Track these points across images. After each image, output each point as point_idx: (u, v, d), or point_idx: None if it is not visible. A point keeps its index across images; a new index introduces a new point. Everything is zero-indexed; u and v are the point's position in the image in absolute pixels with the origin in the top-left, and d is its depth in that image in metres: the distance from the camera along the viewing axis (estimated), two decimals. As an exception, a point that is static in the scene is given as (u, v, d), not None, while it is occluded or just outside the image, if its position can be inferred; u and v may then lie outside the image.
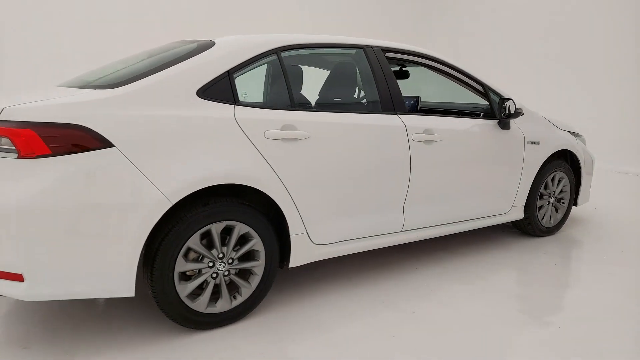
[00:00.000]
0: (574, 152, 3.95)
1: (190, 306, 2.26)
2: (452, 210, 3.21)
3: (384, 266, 3.21)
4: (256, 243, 2.40)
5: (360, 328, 2.41)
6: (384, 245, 2.93)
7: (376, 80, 2.85)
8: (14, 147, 1.86)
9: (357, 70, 2.94)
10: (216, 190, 2.33)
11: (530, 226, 3.83)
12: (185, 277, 2.29)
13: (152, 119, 2.10)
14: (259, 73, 2.56)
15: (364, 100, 2.96)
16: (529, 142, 3.56)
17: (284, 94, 2.53)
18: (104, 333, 2.30)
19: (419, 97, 3.85)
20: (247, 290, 2.42)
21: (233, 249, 2.36)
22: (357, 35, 3.01)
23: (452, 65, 3.30)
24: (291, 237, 2.50)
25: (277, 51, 2.54)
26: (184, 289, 2.22)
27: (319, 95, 2.81)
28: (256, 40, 2.50)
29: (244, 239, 2.40)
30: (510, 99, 3.31)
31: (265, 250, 2.43)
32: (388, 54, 3.04)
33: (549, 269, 3.26)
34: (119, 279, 2.04)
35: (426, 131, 2.94)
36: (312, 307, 2.61)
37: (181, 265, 2.20)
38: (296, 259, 2.56)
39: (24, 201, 1.86)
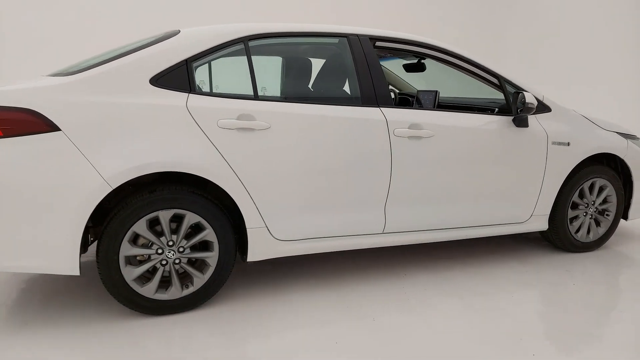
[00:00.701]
0: (622, 156, 3.38)
1: (138, 290, 2.29)
2: (449, 214, 2.90)
3: (368, 269, 3.01)
4: (208, 234, 2.37)
5: (308, 331, 2.27)
6: (361, 247, 2.74)
7: (357, 71, 2.67)
8: None
9: (337, 60, 2.78)
10: (180, 178, 2.34)
11: (559, 239, 3.34)
12: (136, 261, 2.34)
13: (100, 105, 2.17)
14: (226, 62, 2.53)
15: (342, 92, 2.79)
16: (554, 143, 3.10)
17: (247, 83, 2.48)
18: (66, 308, 2.43)
19: (437, 91, 3.57)
20: (199, 280, 2.40)
21: (185, 238, 2.35)
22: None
23: (460, 55, 2.99)
24: (248, 230, 2.44)
25: (243, 40, 2.49)
26: (130, 273, 2.26)
27: (289, 86, 2.72)
28: (221, 29, 2.48)
29: (199, 229, 2.39)
30: (524, 92, 2.91)
31: (218, 241, 2.39)
32: (379, 43, 2.85)
33: (564, 290, 2.81)
34: (62, 257, 2.14)
35: (413, 126, 2.70)
36: (271, 305, 2.52)
37: (126, 250, 2.24)
38: (255, 254, 2.49)
39: None
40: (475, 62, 3.03)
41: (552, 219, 3.26)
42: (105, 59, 2.34)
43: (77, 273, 2.18)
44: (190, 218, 2.33)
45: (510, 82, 3.09)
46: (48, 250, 2.12)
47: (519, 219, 3.14)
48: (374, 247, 2.78)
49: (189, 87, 2.34)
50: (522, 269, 3.10)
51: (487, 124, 2.94)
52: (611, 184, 3.39)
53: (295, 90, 2.73)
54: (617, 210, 3.46)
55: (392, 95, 4.06)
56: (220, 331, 2.26)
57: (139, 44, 2.45)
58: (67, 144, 2.09)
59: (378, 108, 2.67)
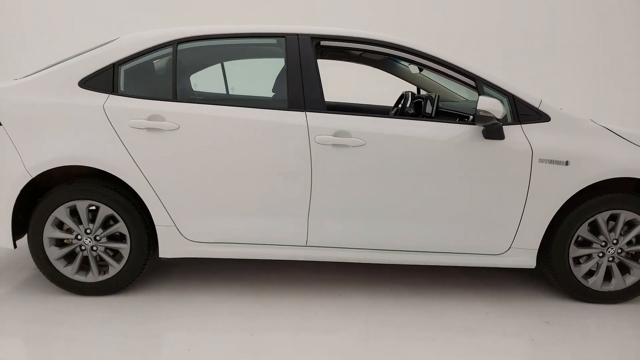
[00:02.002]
0: (662, 184, 2.53)
1: (60, 270, 2.57)
2: (391, 234, 2.55)
3: (306, 281, 2.81)
4: (120, 226, 2.53)
5: (184, 335, 2.26)
6: (281, 258, 2.60)
7: (288, 73, 2.53)
8: None
9: (270, 62, 2.66)
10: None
11: (559, 284, 2.65)
12: (62, 244, 2.61)
13: (35, 105, 2.48)
14: (153, 64, 2.62)
15: (270, 94, 2.66)
16: (543, 160, 2.47)
17: (168, 85, 2.55)
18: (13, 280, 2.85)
19: (437, 95, 3.15)
20: (113, 269, 2.58)
21: (103, 228, 2.55)
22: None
23: (427, 54, 2.60)
24: (157, 227, 2.53)
25: (173, 43, 2.57)
26: (53, 253, 2.55)
27: (213, 88, 2.70)
28: (152, 33, 2.59)
29: (115, 221, 2.56)
30: (481, 96, 2.37)
31: (130, 234, 2.53)
32: (324, 43, 2.66)
33: (513, 346, 2.24)
34: (-1, 233, 2.52)
35: (339, 133, 2.44)
36: (180, 303, 2.56)
37: (49, 232, 2.53)
38: (165, 251, 2.57)
39: None
40: (446, 62, 2.59)
41: (546, 255, 2.61)
42: (54, 63, 2.66)
43: (12, 247, 2.54)
44: (105, 210, 2.52)
45: (492, 84, 2.57)
46: (-13, 226, 2.52)
47: (493, 250, 2.59)
48: (295, 259, 2.61)
49: (112, 88, 2.52)
50: (484, 310, 2.55)
51: (444, 133, 2.50)
52: (647, 219, 2.56)
53: (218, 92, 2.71)
54: (658, 255, 2.60)
55: (409, 97, 3.68)
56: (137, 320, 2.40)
57: (86, 49, 2.72)
58: (4, 137, 2.46)
59: (303, 112, 2.49)
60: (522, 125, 2.53)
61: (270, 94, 2.73)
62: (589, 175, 2.49)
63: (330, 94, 4.09)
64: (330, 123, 2.47)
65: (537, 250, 2.58)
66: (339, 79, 4.34)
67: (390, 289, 2.78)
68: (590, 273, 2.66)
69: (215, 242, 2.57)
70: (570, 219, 2.55)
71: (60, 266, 2.57)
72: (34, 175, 2.44)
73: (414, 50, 2.59)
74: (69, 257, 2.60)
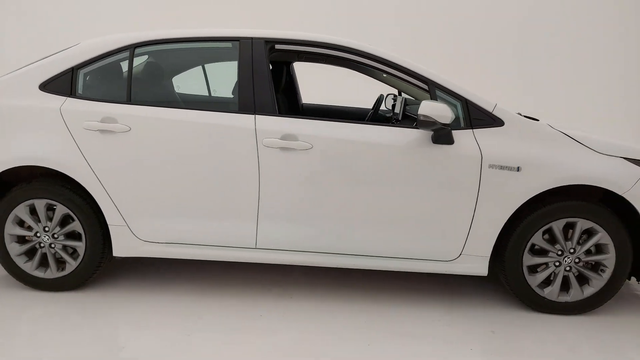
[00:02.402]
0: (620, 192, 2.43)
1: (20, 265, 2.66)
2: (338, 238, 2.54)
3: (251, 281, 2.83)
4: (76, 225, 2.61)
5: (127, 331, 2.32)
6: (233, 260, 2.62)
7: (240, 76, 2.56)
8: None
9: (223, 65, 2.69)
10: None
11: (514, 292, 2.59)
12: (25, 240, 2.71)
13: (1, 107, 2.59)
14: (111, 68, 2.68)
15: (221, 97, 2.68)
16: (493, 166, 2.42)
17: (123, 88, 2.62)
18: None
19: (404, 97, 3.15)
20: (70, 266, 2.66)
21: (59, 226, 2.63)
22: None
23: (379, 57, 2.58)
24: (110, 226, 2.59)
25: (130, 48, 2.64)
26: (13, 249, 2.65)
27: (166, 91, 2.74)
28: (110, 38, 2.66)
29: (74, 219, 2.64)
30: (424, 101, 2.33)
31: (85, 233, 2.61)
32: (279, 46, 2.67)
33: (451, 354, 2.19)
34: (-36, 228, 2.64)
35: (286, 137, 2.45)
36: (132, 302, 2.61)
37: (10, 229, 2.63)
38: (119, 250, 2.63)
39: None
40: (399, 65, 2.57)
41: (500, 263, 2.55)
42: (20, 67, 2.77)
43: (-20, 242, 2.65)
44: (61, 209, 2.60)
45: (445, 88, 2.53)
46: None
47: (444, 257, 2.54)
48: (245, 261, 2.63)
49: (70, 91, 2.60)
50: (436, 316, 2.50)
51: (394, 137, 2.47)
52: (605, 229, 2.46)
53: (172, 94, 2.76)
54: (619, 266, 2.50)
55: (383, 100, 3.67)
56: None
57: (51, 54, 2.82)
58: (-31, 137, 2.58)
59: (253, 115, 2.51)
60: (474, 130, 2.48)
61: (222, 97, 2.77)
62: (542, 182, 2.42)
63: (321, 97, 4.13)
64: (278, 126, 2.48)
65: (489, 258, 2.52)
66: (333, 82, 4.36)
67: (345, 293, 2.77)
68: (548, 282, 2.58)
69: (166, 242, 2.62)
70: (524, 226, 2.48)
71: (20, 262, 2.67)
72: (-6, 174, 2.55)
73: (365, 52, 2.58)
74: (30, 254, 2.69)
